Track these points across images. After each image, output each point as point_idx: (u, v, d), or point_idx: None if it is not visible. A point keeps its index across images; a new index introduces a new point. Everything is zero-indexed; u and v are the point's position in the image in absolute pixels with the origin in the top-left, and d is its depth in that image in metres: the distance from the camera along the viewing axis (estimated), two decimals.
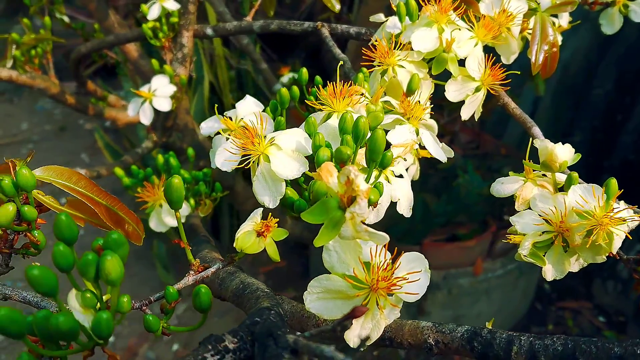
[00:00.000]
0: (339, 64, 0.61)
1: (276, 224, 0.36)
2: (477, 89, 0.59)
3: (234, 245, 0.35)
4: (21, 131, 2.84)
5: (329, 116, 0.46)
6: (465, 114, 0.60)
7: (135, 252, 2.39)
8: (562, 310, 2.26)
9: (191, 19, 0.87)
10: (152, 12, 0.86)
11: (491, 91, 0.60)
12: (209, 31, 0.87)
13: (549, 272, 0.46)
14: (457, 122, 2.14)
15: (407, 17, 0.60)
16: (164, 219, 0.71)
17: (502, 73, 0.58)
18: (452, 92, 0.59)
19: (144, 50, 1.15)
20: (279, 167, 0.41)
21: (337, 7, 0.87)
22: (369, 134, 0.36)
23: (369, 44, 0.64)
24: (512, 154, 2.27)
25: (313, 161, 0.42)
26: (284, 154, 0.42)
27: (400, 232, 2.09)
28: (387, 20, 0.63)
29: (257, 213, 0.37)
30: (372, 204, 0.36)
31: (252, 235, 0.35)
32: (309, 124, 0.44)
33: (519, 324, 2.21)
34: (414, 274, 0.35)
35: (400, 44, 0.58)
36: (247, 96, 0.54)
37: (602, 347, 0.31)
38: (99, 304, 0.27)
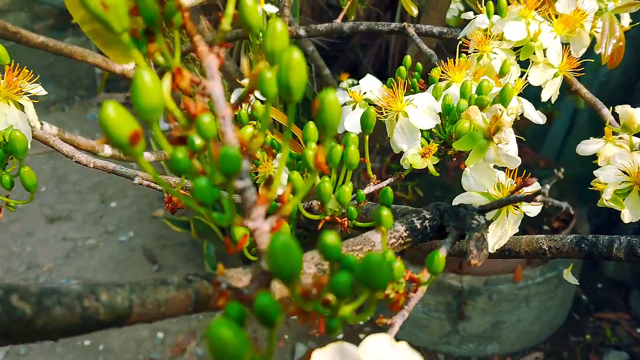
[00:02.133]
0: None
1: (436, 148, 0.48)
2: (555, 75, 0.71)
3: (403, 163, 0.48)
4: None
5: (448, 85, 0.59)
6: (545, 95, 0.72)
7: (185, 254, 2.52)
8: (600, 321, 2.33)
9: (287, 19, 1.00)
10: None
11: (567, 76, 0.72)
12: (302, 32, 1.01)
13: (627, 215, 0.57)
14: None
15: (495, 14, 0.72)
16: None
17: (577, 61, 0.71)
18: (534, 77, 0.71)
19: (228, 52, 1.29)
20: (417, 120, 0.53)
21: (415, 12, 1.00)
22: (499, 89, 0.48)
23: (458, 39, 0.76)
24: (551, 166, 2.38)
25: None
26: (419, 111, 0.54)
27: None
28: (475, 18, 0.76)
29: (417, 143, 0.50)
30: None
31: (418, 156, 0.48)
32: (436, 89, 0.56)
33: (557, 332, 2.28)
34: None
35: (489, 36, 0.71)
36: (368, 74, 0.67)
37: None
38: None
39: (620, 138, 0.61)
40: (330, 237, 0.20)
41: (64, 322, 0.21)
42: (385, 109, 0.56)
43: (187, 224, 2.42)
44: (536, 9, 0.71)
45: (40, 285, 0.21)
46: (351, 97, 0.65)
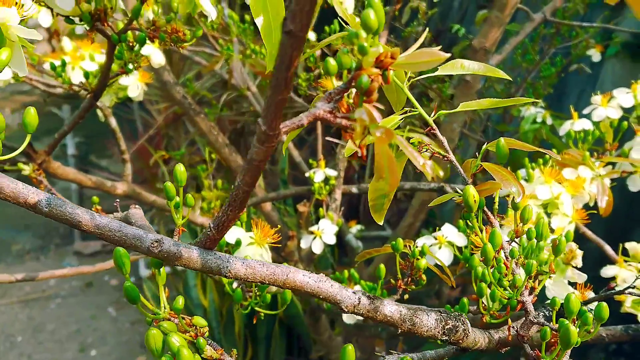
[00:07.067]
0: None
1: None
2: (570, 222, 1.04)
3: None
4: (50, 287, 3.13)
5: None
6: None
7: None
8: None
9: (341, 181, 1.32)
10: (318, 177, 1.31)
11: (577, 223, 1.05)
12: (354, 189, 1.33)
13: None
14: None
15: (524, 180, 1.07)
16: None
17: (585, 213, 1.05)
18: (555, 222, 1.04)
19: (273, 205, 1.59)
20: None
21: (442, 173, 1.35)
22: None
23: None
24: None
25: None
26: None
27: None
28: None
29: None
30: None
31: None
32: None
33: None
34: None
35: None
36: (447, 225, 0.98)
37: None
38: None
39: (629, 264, 0.93)
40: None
41: None
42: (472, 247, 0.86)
43: None
44: (554, 178, 1.06)
45: None
46: (437, 239, 0.95)
